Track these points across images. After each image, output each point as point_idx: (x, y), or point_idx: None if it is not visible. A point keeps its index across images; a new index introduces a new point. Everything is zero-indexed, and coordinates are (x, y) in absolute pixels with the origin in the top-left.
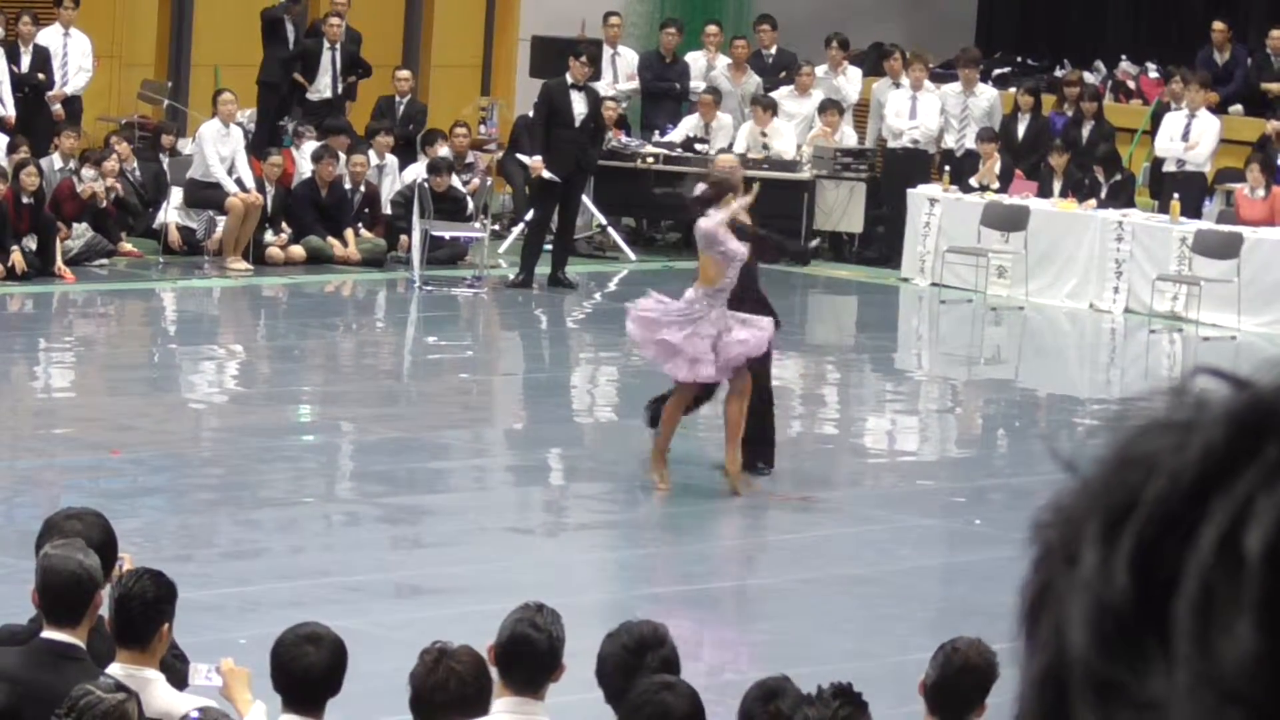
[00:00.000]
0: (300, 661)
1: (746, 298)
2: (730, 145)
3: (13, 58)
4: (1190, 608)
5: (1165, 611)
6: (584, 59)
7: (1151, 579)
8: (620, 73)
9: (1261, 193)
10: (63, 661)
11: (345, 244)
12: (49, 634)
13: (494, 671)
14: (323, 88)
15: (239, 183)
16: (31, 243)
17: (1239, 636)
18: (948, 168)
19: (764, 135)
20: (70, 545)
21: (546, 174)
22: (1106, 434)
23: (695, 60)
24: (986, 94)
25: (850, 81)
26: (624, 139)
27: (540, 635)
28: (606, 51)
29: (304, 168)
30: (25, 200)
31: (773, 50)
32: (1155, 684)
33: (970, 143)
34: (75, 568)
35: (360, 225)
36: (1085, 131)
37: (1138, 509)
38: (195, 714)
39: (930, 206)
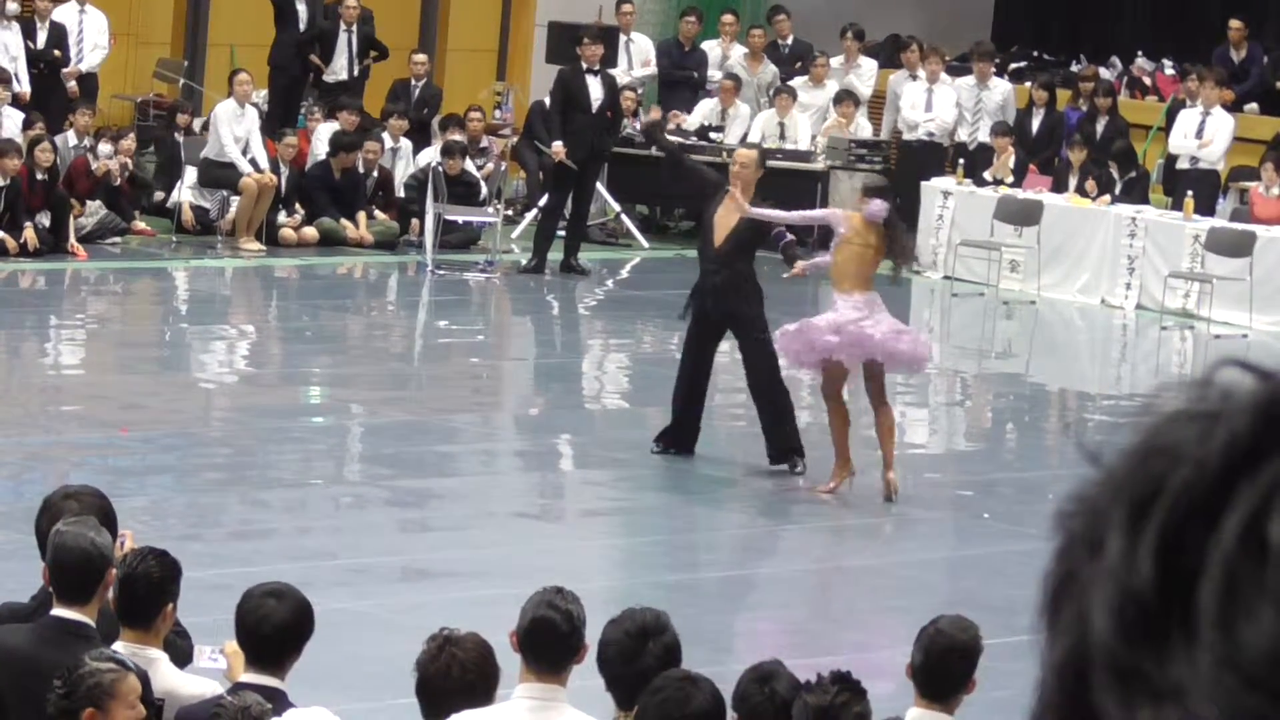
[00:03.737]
0: (257, 614)
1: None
2: (745, 134)
3: (28, 34)
4: (1214, 594)
5: (1188, 598)
6: (589, 39)
7: (1175, 566)
8: (635, 60)
9: (1276, 191)
10: (73, 639)
11: (358, 226)
12: (59, 611)
13: (518, 657)
14: (339, 69)
15: (253, 163)
16: (45, 219)
17: (1262, 623)
18: (961, 161)
19: (782, 125)
20: (82, 523)
21: (567, 159)
22: (1132, 425)
23: (711, 49)
24: (1000, 88)
25: (863, 76)
26: (638, 126)
27: (562, 618)
28: (620, 39)
29: (319, 149)
30: (39, 177)
31: (789, 40)
32: (1177, 670)
33: (983, 136)
34: (87, 545)
35: (374, 208)
36: (1099, 127)
37: (1162, 497)
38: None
39: (944, 199)
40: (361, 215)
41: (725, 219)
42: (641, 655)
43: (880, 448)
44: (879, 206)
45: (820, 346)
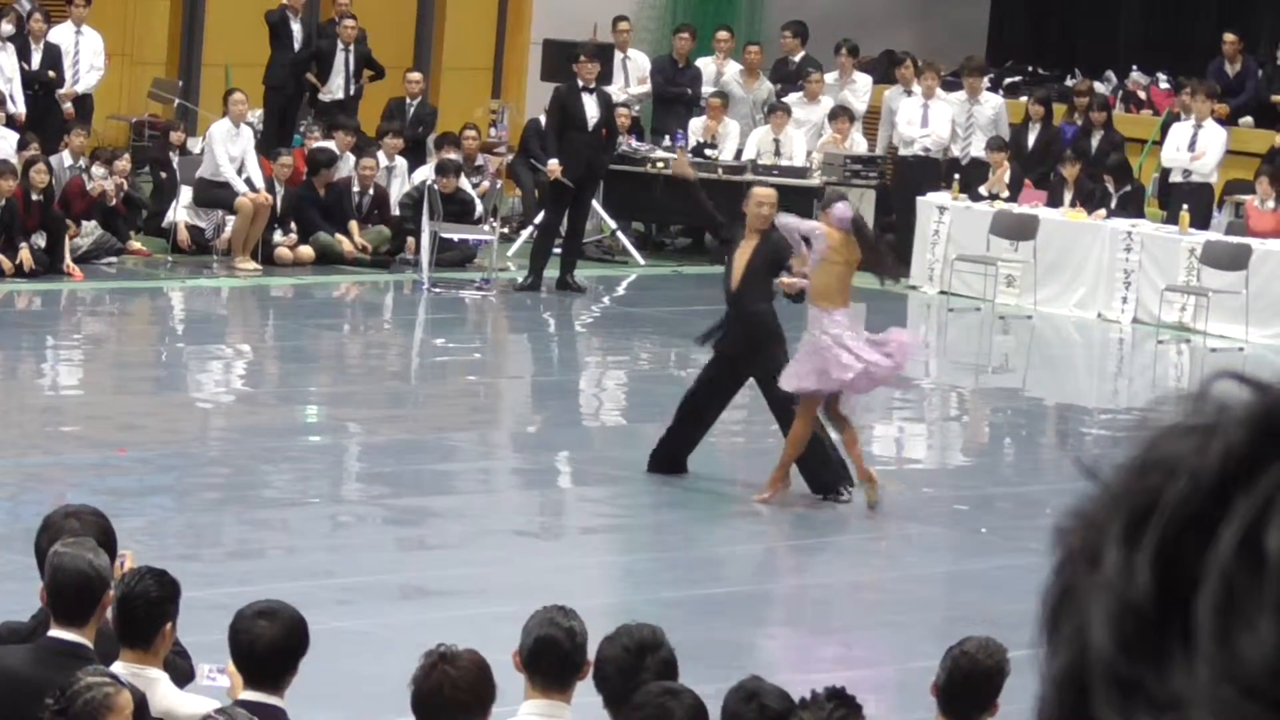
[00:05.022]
0: (248, 634)
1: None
2: (739, 151)
3: (23, 55)
4: (1212, 605)
5: (1187, 610)
6: (585, 57)
7: (1173, 578)
8: (631, 76)
9: (1271, 204)
10: (70, 660)
11: (351, 238)
12: (56, 632)
13: (517, 675)
14: (335, 89)
15: (248, 183)
16: (40, 240)
17: (1260, 633)
18: (957, 176)
19: (777, 141)
20: (80, 544)
21: (563, 177)
22: (1128, 439)
23: (705, 66)
24: (991, 102)
25: (857, 93)
26: (634, 143)
27: (565, 635)
28: (616, 56)
29: None
30: (35, 197)
31: (798, 57)
32: (1176, 681)
33: (975, 151)
34: (85, 567)
35: (368, 224)
36: (1094, 141)
37: (1159, 510)
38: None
39: (939, 214)
40: (353, 225)
41: (740, 258)
42: (640, 671)
43: (849, 456)
44: (843, 209)
45: (835, 378)
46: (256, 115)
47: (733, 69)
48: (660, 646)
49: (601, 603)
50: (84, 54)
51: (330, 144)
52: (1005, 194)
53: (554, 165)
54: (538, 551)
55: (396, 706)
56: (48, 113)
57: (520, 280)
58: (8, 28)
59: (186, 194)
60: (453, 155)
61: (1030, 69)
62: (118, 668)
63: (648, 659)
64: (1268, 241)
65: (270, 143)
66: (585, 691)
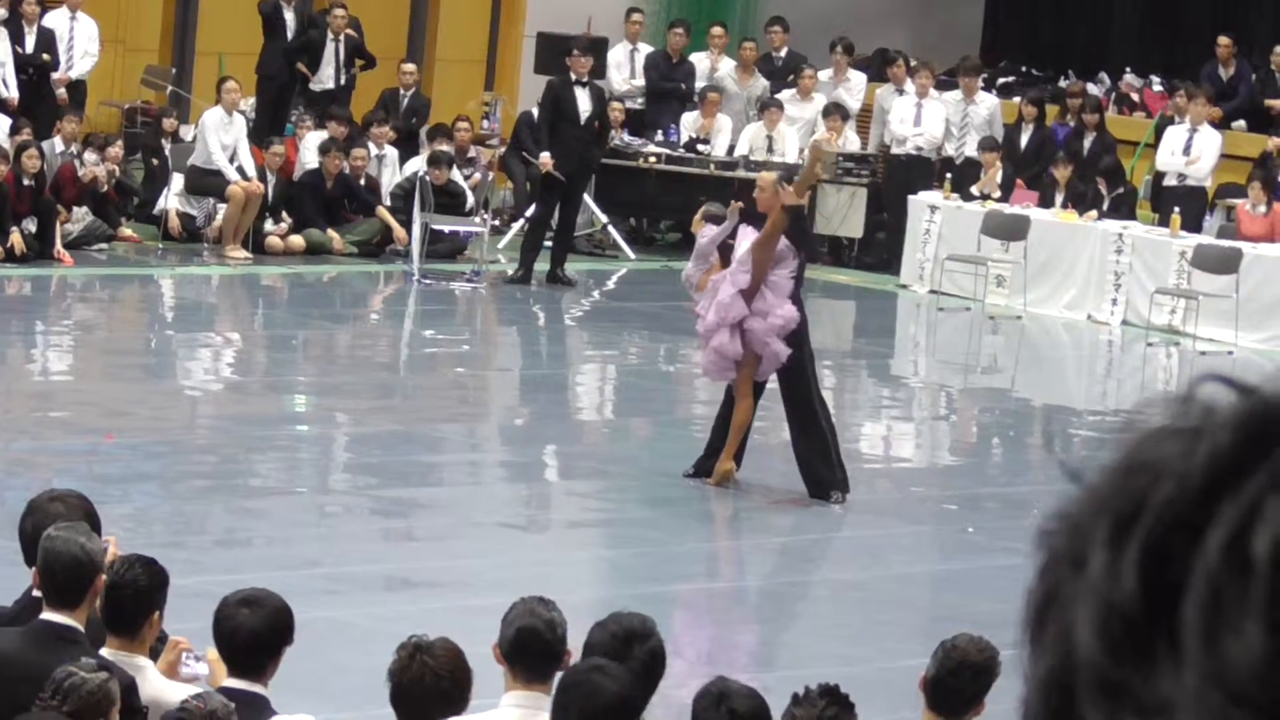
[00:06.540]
0: (230, 622)
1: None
2: (732, 147)
3: (16, 39)
4: (1198, 609)
5: (1173, 614)
6: (579, 51)
7: (1159, 582)
8: (638, 69)
9: (1262, 209)
10: (61, 644)
11: (385, 220)
12: (49, 616)
13: (495, 667)
14: (326, 78)
15: (240, 171)
16: (31, 225)
17: (1247, 638)
18: (949, 175)
19: (770, 138)
20: (73, 529)
21: (555, 170)
22: (1114, 441)
23: (699, 61)
24: (987, 102)
25: (852, 91)
26: (626, 138)
27: (545, 626)
28: (626, 48)
29: (306, 158)
30: (26, 182)
31: (783, 52)
32: (1162, 685)
33: (970, 151)
34: (77, 551)
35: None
36: (1087, 143)
37: (1145, 513)
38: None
39: (931, 214)
40: (382, 211)
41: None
42: (626, 660)
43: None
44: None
45: (732, 352)
46: (249, 104)
47: (727, 65)
48: (649, 636)
49: (586, 597)
50: (79, 40)
51: (323, 134)
52: (997, 194)
53: (546, 158)
54: (523, 544)
55: (381, 697)
56: (40, 98)
57: (510, 273)
58: (1, 11)
59: (178, 181)
60: (445, 147)
61: (1024, 70)
62: (104, 654)
63: (635, 648)
64: (1258, 246)
65: (263, 132)
66: None
